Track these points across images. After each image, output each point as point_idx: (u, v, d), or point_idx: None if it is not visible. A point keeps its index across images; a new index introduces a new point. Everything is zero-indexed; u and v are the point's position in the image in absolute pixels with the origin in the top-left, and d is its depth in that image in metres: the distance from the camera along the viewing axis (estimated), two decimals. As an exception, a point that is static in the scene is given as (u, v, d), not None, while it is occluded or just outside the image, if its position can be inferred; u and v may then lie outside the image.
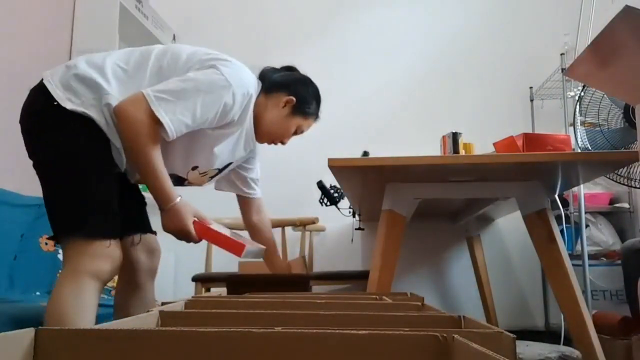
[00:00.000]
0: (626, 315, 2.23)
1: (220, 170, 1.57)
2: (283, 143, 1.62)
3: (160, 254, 1.59)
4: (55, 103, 1.27)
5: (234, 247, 1.37)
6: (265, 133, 1.56)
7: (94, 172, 1.28)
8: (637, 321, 2.15)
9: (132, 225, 1.48)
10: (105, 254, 1.23)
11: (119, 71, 1.34)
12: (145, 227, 1.54)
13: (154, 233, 1.56)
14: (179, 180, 1.50)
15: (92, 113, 1.28)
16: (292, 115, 1.55)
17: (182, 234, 1.34)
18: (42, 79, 1.32)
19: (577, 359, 2.07)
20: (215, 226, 1.41)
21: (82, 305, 1.18)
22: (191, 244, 1.40)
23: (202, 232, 1.37)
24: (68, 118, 1.27)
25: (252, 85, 1.44)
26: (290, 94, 1.53)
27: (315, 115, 1.62)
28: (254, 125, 1.52)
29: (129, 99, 1.25)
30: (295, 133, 1.61)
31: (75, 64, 1.32)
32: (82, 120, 1.27)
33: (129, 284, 1.51)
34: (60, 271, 1.22)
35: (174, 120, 1.26)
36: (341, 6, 3.56)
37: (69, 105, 1.27)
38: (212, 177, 1.58)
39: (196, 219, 1.37)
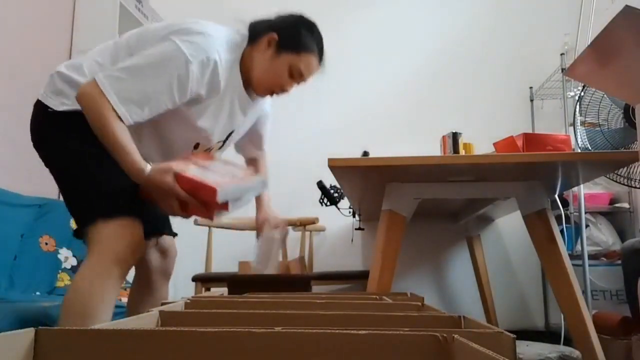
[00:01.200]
0: (626, 315, 2.23)
1: (224, 141, 1.52)
2: (284, 90, 1.43)
3: (175, 255, 1.56)
4: (51, 110, 1.30)
5: (206, 193, 1.20)
6: (259, 84, 1.41)
7: (102, 159, 1.25)
8: (637, 321, 2.15)
9: (150, 227, 1.43)
10: (124, 233, 1.22)
11: (95, 66, 1.32)
12: (162, 228, 1.52)
13: (174, 235, 1.55)
14: None
15: None
16: (278, 54, 1.37)
17: (168, 197, 1.21)
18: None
19: (577, 359, 2.07)
20: (197, 170, 1.26)
21: (104, 290, 1.18)
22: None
23: (183, 184, 1.21)
24: (67, 120, 1.29)
25: (217, 49, 1.30)
26: (272, 32, 1.37)
27: (310, 48, 1.38)
28: (249, 80, 1.40)
29: (86, 82, 1.24)
30: (293, 76, 1.40)
31: (57, 70, 1.35)
32: (79, 118, 1.26)
33: (142, 285, 1.51)
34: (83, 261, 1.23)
35: (122, 100, 1.20)
36: (341, 5, 3.56)
37: (62, 108, 1.29)
38: (220, 149, 1.54)
39: (177, 172, 1.22)
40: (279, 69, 1.37)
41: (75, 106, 1.27)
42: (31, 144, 1.37)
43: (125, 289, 1.98)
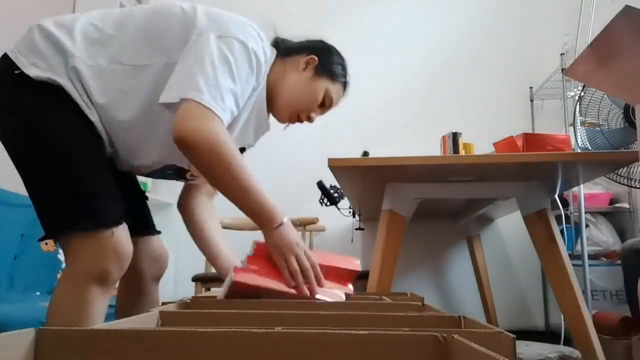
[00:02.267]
0: (626, 315, 2.23)
1: None
2: (309, 119, 1.31)
3: (167, 257, 1.39)
4: (18, 72, 1.05)
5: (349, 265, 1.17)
6: (288, 104, 1.27)
7: (78, 151, 1.06)
8: (637, 321, 2.15)
9: (131, 226, 1.22)
10: (109, 248, 1.03)
11: (91, 29, 1.11)
12: (145, 228, 1.32)
13: (158, 233, 1.36)
14: (179, 173, 1.29)
15: (63, 80, 1.06)
16: (317, 77, 1.27)
17: (292, 253, 1.09)
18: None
19: (577, 359, 2.06)
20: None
21: (86, 317, 1.02)
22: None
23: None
24: (35, 88, 1.05)
25: (262, 46, 1.18)
26: (311, 54, 1.27)
27: (343, 78, 1.33)
28: (270, 98, 1.26)
29: (180, 115, 1.00)
30: (324, 104, 1.30)
31: (40, 23, 1.12)
32: (54, 90, 1.05)
33: (132, 289, 1.35)
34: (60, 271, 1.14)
35: (225, 107, 1.04)
36: (340, 5, 3.56)
37: (33, 72, 1.04)
38: None
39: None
40: (316, 92, 1.27)
41: (52, 74, 1.05)
42: None
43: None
